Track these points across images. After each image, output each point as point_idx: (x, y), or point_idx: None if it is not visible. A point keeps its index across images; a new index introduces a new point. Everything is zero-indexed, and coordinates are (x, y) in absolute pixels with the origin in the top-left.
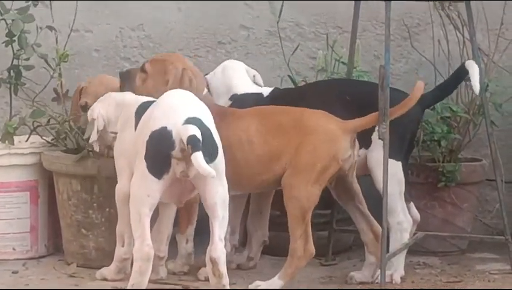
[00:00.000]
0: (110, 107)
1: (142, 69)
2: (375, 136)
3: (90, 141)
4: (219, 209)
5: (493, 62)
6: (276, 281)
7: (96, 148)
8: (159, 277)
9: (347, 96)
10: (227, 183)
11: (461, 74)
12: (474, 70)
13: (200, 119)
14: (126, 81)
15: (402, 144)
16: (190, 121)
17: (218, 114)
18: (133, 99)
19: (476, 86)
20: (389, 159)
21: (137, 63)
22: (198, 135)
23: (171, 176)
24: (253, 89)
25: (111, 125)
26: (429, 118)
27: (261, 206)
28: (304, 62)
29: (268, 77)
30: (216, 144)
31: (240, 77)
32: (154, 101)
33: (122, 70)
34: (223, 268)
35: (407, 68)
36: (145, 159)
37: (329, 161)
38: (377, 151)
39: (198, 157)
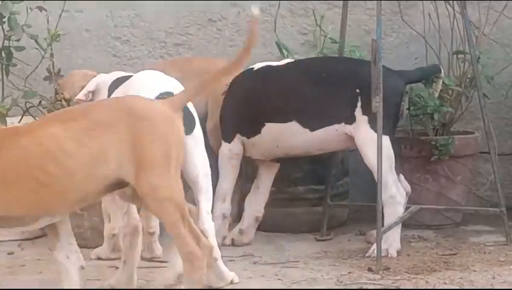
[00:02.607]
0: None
1: None
2: (358, 112)
3: None
4: (201, 181)
5: (484, 34)
6: None
7: None
8: (154, 255)
9: (323, 73)
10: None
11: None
12: None
13: (172, 93)
14: None
15: (388, 118)
16: (163, 95)
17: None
18: (108, 76)
19: None
20: (375, 135)
21: (128, 42)
22: None
23: None
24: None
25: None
26: (421, 91)
27: (260, 182)
28: (295, 38)
29: (260, 53)
30: (193, 115)
31: None
32: (127, 76)
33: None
34: (214, 240)
35: (398, 42)
36: None
37: (177, 143)
38: (363, 128)
39: None
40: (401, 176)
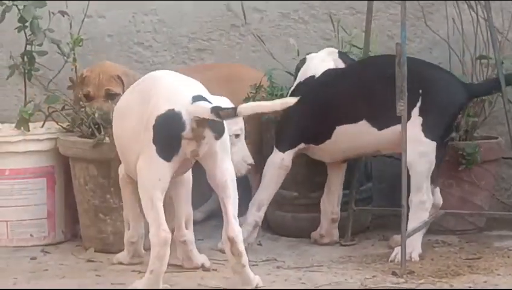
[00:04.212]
0: None
1: None
2: (415, 112)
3: None
4: (230, 187)
5: (507, 40)
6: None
7: None
8: (194, 264)
9: (389, 72)
10: None
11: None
12: None
13: (203, 96)
14: None
15: (439, 125)
16: (197, 98)
17: None
18: None
19: None
20: (424, 138)
21: (150, 48)
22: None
23: (181, 157)
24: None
25: None
26: None
27: (330, 182)
28: (317, 44)
29: (283, 59)
30: (222, 122)
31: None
32: None
33: None
34: (241, 246)
35: (421, 47)
36: (153, 143)
37: None
38: (414, 128)
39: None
40: (437, 189)
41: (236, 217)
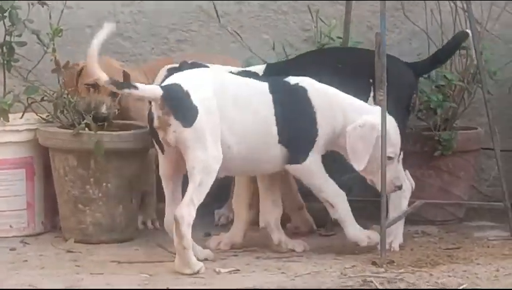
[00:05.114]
0: None
1: None
2: (370, 102)
3: None
4: (196, 174)
5: (486, 30)
6: None
7: None
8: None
9: (339, 64)
10: None
11: (457, 41)
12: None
13: (178, 84)
14: None
15: (396, 109)
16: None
17: None
18: None
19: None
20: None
21: (130, 38)
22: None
23: (167, 147)
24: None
25: None
26: (424, 86)
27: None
28: (297, 34)
29: (263, 49)
30: (195, 107)
31: None
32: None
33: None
34: (184, 229)
35: (401, 38)
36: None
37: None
38: None
39: None
40: (407, 172)
41: (193, 203)
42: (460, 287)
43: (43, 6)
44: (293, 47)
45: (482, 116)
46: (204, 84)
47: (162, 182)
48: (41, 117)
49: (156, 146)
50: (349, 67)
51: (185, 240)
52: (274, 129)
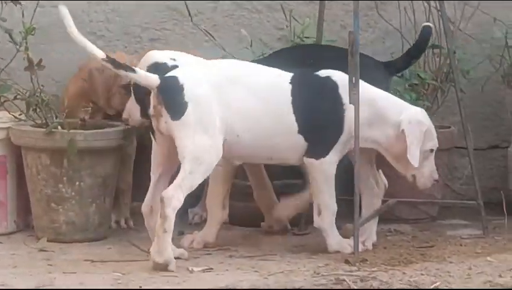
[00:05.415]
0: None
1: None
2: None
3: None
4: (186, 163)
5: (459, 29)
6: None
7: None
8: None
9: (311, 60)
10: None
11: (425, 37)
12: None
13: (175, 77)
14: None
15: None
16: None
17: None
18: None
19: None
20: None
21: (103, 37)
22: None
23: (159, 135)
24: None
25: None
26: (398, 85)
27: (256, 179)
28: (271, 33)
29: (236, 48)
30: (185, 103)
31: None
32: None
33: None
34: (170, 212)
35: (374, 37)
36: None
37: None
38: None
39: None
40: (380, 171)
41: (181, 188)
42: (433, 286)
43: (16, 6)
44: (268, 46)
45: (455, 115)
46: (202, 78)
47: (151, 167)
48: (13, 116)
49: (151, 133)
50: (323, 64)
51: (167, 223)
52: (291, 118)
